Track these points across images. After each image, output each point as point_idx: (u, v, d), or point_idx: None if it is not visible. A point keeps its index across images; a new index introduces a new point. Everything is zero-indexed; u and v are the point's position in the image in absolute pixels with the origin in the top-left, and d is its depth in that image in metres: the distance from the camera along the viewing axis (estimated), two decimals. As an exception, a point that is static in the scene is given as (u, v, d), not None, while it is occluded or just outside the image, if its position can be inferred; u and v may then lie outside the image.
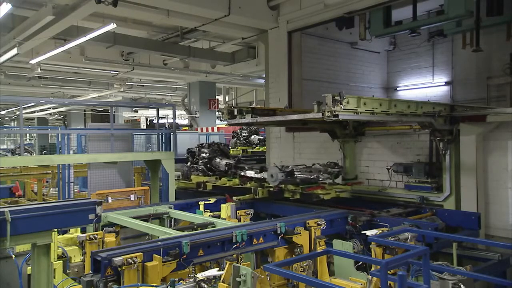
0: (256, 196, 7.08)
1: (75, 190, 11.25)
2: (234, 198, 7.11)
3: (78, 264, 4.76)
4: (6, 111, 29.31)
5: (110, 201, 7.45)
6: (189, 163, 8.72)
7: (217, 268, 3.79)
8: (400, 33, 9.37)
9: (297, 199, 6.75)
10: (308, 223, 4.97)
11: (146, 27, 12.26)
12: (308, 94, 9.99)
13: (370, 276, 3.75)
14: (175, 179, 8.69)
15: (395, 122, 6.84)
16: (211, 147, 8.58)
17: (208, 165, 8.37)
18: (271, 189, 6.99)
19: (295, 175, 6.60)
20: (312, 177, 6.71)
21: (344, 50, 11.46)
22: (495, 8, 7.88)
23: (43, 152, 20.21)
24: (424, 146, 7.09)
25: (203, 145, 8.85)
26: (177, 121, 18.55)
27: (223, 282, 3.36)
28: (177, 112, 21.86)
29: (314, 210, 6.23)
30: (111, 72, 17.09)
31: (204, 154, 8.49)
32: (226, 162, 8.12)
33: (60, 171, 10.18)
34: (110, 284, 3.53)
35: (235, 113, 6.42)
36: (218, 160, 8.31)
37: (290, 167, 6.72)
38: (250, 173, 7.46)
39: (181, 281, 3.34)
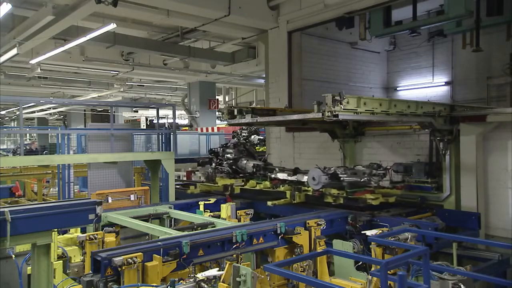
0: (294, 201, 6.52)
1: (75, 190, 11.25)
2: (269, 203, 6.57)
3: (78, 264, 4.75)
4: (6, 111, 29.31)
5: (110, 201, 7.45)
6: (213, 164, 8.10)
7: (217, 268, 3.79)
8: (400, 33, 9.37)
9: (339, 204, 6.19)
10: (308, 223, 4.97)
11: (146, 27, 12.26)
12: (308, 94, 9.99)
13: (370, 276, 3.75)
14: (199, 183, 8.25)
15: (395, 122, 6.84)
16: (237, 147, 7.96)
17: (233, 167, 7.77)
18: (309, 193, 6.42)
19: (342, 178, 6.03)
20: (362, 180, 6.10)
21: (344, 50, 11.46)
22: (495, 8, 7.88)
23: (44, 152, 20.21)
24: (424, 146, 7.09)
25: (228, 145, 8.20)
26: (177, 121, 18.57)
27: (223, 282, 3.36)
28: (177, 112, 21.85)
29: (314, 210, 6.23)
30: (111, 72, 17.10)
31: (229, 155, 7.86)
32: (253, 164, 7.50)
33: (60, 171, 10.18)
34: (110, 284, 3.53)
35: (235, 113, 6.42)
36: (244, 161, 7.68)
37: (332, 169, 6.15)
38: (282, 176, 6.92)
39: (181, 281, 3.34)
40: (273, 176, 7.09)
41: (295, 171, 6.77)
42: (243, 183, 7.59)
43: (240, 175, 7.77)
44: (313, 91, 10.07)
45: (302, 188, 6.54)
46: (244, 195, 7.64)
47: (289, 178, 6.77)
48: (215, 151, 8.28)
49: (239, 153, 7.81)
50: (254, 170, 7.43)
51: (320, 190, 6.13)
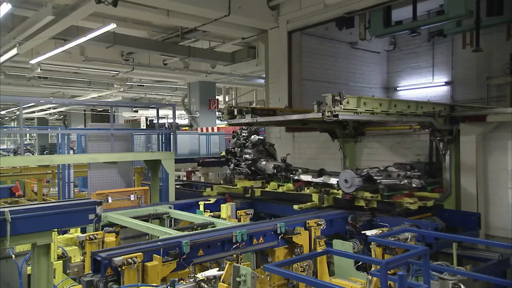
0: (323, 205, 6.00)
1: (75, 190, 11.25)
2: (295, 207, 6.06)
3: (78, 264, 4.75)
4: (6, 111, 29.32)
5: (110, 201, 7.44)
6: (231, 165, 7.68)
7: (217, 268, 3.79)
8: (400, 33, 9.38)
9: (372, 208, 5.77)
10: (308, 223, 4.97)
11: (146, 27, 12.26)
12: (308, 94, 10.00)
13: (370, 276, 3.74)
14: (216, 185, 7.86)
15: (395, 122, 6.84)
16: (256, 147, 7.52)
17: (252, 168, 7.37)
18: (338, 196, 6.00)
19: (378, 181, 5.64)
20: (402, 182, 5.71)
21: (344, 50, 11.47)
22: (495, 8, 7.89)
23: (45, 152, 20.24)
24: (424, 146, 7.09)
25: (246, 144, 7.72)
26: (177, 121, 18.56)
27: (223, 282, 3.35)
28: (177, 112, 21.86)
29: (314, 210, 6.21)
30: (111, 72, 17.11)
31: (247, 155, 7.47)
32: (274, 164, 7.08)
33: (60, 171, 10.18)
34: (110, 284, 3.53)
35: (235, 113, 6.41)
36: (263, 162, 7.29)
37: (365, 171, 5.78)
38: (306, 177, 6.56)
39: (181, 281, 3.34)
40: (295, 177, 6.72)
41: (321, 173, 6.47)
42: (263, 185, 7.18)
43: (259, 176, 7.42)
44: (313, 91, 10.08)
45: (330, 191, 6.12)
46: (266, 198, 7.10)
47: (314, 180, 6.42)
48: (233, 151, 7.88)
49: (258, 153, 7.45)
50: (275, 171, 7.04)
51: (352, 193, 5.75)
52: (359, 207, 5.83)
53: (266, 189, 7.05)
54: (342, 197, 5.89)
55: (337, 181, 5.93)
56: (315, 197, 6.13)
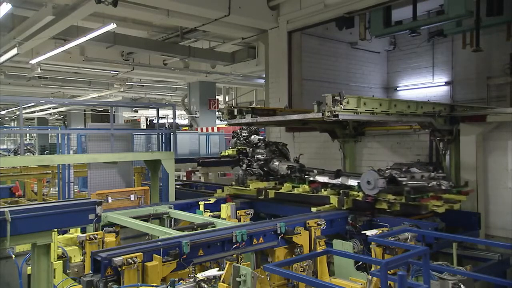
0: (343, 207, 5.79)
1: (75, 190, 11.25)
2: (313, 209, 5.86)
3: (78, 264, 4.75)
4: (6, 111, 29.33)
5: (110, 201, 7.44)
6: (244, 166, 7.44)
7: (217, 268, 3.79)
8: (400, 33, 9.38)
9: (395, 211, 5.55)
10: (308, 223, 4.97)
11: (146, 27, 12.27)
12: (308, 94, 10.00)
13: (370, 276, 3.74)
14: (228, 186, 7.63)
15: (395, 122, 6.84)
16: (268, 147, 7.32)
17: (265, 168, 7.15)
18: (358, 198, 5.76)
19: (404, 182, 5.39)
20: (430, 184, 5.45)
21: (344, 50, 11.47)
22: (495, 8, 7.89)
23: (45, 152, 20.25)
24: (424, 146, 7.09)
25: (259, 144, 7.51)
26: (177, 121, 18.58)
27: (223, 282, 3.35)
28: (177, 112, 21.87)
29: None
30: (111, 72, 17.11)
31: (259, 156, 7.25)
32: (288, 165, 6.85)
33: (60, 171, 10.18)
34: (110, 284, 3.52)
35: (235, 113, 6.41)
36: (276, 162, 7.06)
37: (388, 172, 5.51)
38: (322, 179, 6.36)
39: (181, 281, 3.34)
40: (311, 178, 6.50)
41: (338, 174, 6.27)
42: (276, 187, 6.95)
43: (271, 177, 7.21)
44: (313, 91, 10.08)
45: (349, 193, 5.88)
46: (279, 199, 6.83)
47: (332, 181, 6.20)
48: (244, 151, 7.70)
49: (270, 154, 7.24)
50: (289, 172, 6.79)
51: (374, 195, 5.50)
52: (380, 209, 5.63)
53: (280, 191, 6.79)
54: (363, 199, 5.65)
55: (358, 183, 5.72)
56: (333, 199, 5.92)
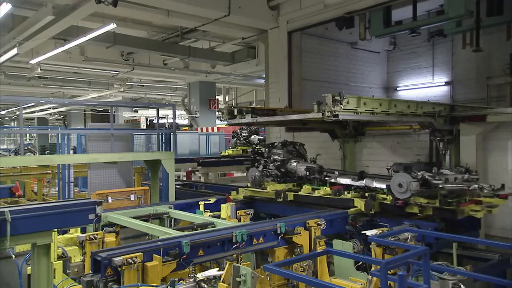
0: (371, 211, 5.48)
1: (75, 190, 11.24)
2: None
3: (78, 264, 4.75)
4: (6, 111, 29.34)
5: (110, 201, 7.44)
6: (261, 167, 7.09)
7: (217, 268, 3.79)
8: (400, 33, 9.38)
9: (427, 216, 5.32)
10: (308, 223, 4.97)
11: (146, 27, 12.27)
12: (308, 94, 10.00)
13: (370, 276, 3.75)
14: (245, 188, 7.26)
15: (395, 122, 6.84)
16: (286, 147, 7.01)
17: (282, 169, 6.85)
18: (386, 202, 5.48)
19: (440, 186, 5.08)
20: (470, 188, 5.12)
21: (344, 50, 11.47)
22: (495, 8, 7.90)
23: (46, 152, 20.24)
24: (424, 146, 7.09)
25: (275, 144, 7.22)
26: (177, 121, 18.58)
27: (223, 282, 3.36)
28: (177, 112, 21.87)
29: (313, 210, 6.20)
30: (111, 72, 17.11)
31: (276, 156, 6.94)
32: (306, 166, 6.56)
33: (60, 171, 10.18)
34: (110, 284, 3.52)
35: (235, 113, 6.39)
36: (294, 163, 6.76)
37: (420, 174, 5.19)
38: (345, 180, 6.07)
39: (181, 281, 3.34)
40: (332, 180, 6.21)
41: (361, 175, 5.96)
42: (294, 189, 6.64)
43: (287, 179, 6.91)
44: (313, 91, 10.09)
45: (377, 196, 5.58)
46: (296, 202, 6.49)
47: (355, 183, 5.92)
48: (260, 151, 7.46)
49: (288, 154, 6.92)
50: (307, 173, 6.50)
51: (404, 199, 5.22)
52: (411, 214, 5.39)
53: (300, 193, 6.43)
54: (392, 203, 5.37)
55: (387, 185, 5.48)
56: (358, 203, 5.63)
